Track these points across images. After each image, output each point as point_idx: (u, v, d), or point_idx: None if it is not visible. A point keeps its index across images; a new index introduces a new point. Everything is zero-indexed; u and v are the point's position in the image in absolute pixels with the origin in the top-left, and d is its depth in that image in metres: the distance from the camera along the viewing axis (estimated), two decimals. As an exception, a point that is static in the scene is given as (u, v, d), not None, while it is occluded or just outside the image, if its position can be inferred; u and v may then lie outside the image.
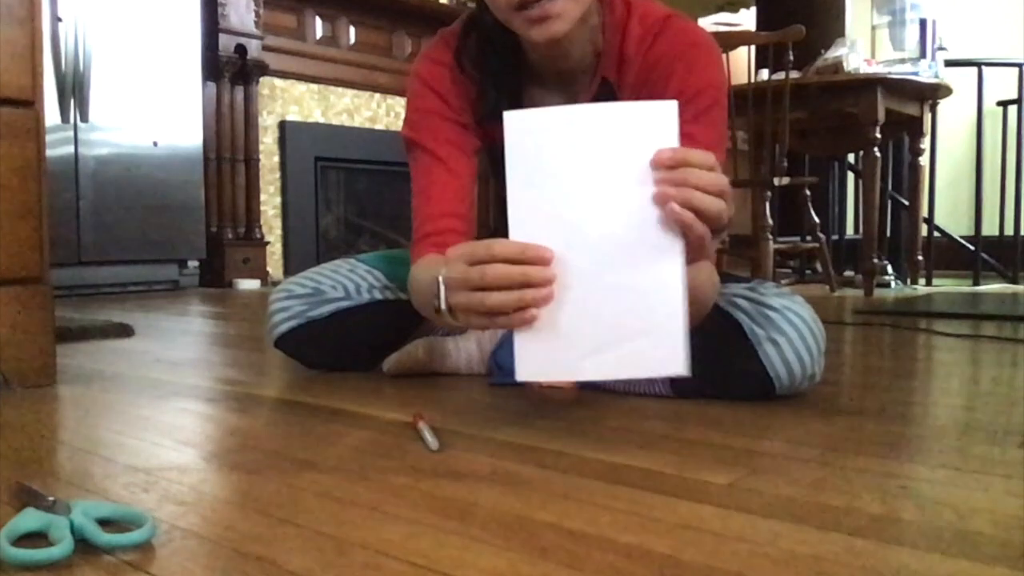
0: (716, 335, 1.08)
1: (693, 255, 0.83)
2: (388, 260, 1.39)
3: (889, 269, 3.49)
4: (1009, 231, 3.84)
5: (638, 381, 1.15)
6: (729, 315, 1.09)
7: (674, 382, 1.12)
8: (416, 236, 1.14)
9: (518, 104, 1.17)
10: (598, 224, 0.81)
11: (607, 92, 1.12)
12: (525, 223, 0.83)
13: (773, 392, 1.08)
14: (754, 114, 3.01)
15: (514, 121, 0.82)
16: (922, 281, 3.64)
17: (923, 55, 3.26)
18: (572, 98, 1.14)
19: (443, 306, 0.89)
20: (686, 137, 1.05)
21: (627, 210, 0.80)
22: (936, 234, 3.91)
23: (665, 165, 0.79)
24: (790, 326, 1.07)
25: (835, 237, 4.08)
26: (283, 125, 4.20)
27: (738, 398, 1.09)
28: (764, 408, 1.06)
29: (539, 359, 0.85)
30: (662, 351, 0.82)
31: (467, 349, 1.32)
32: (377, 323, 1.34)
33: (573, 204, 0.81)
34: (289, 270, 4.13)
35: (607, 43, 1.11)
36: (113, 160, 3.36)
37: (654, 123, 0.80)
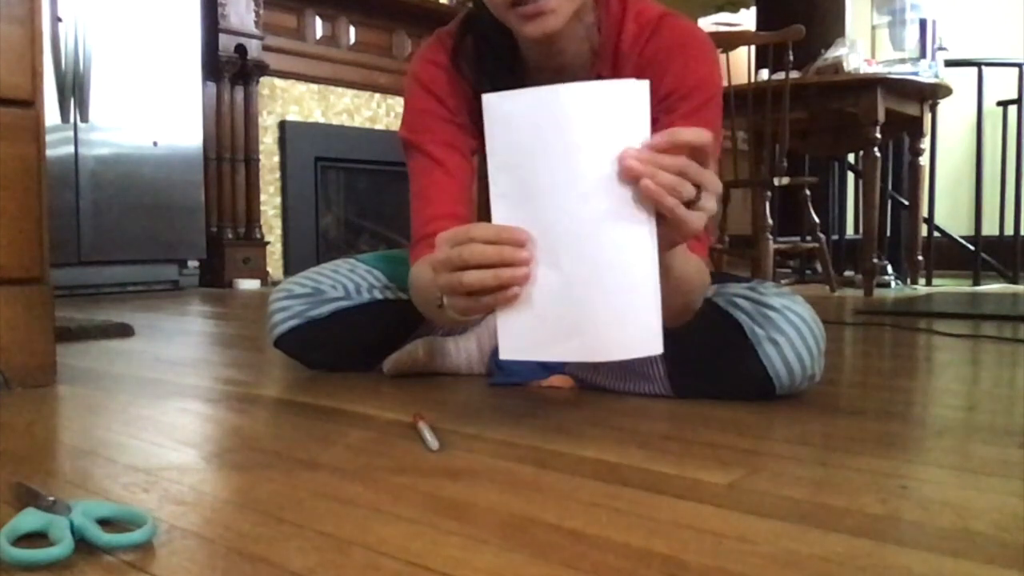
0: (716, 335, 1.08)
1: (675, 234, 0.82)
2: (388, 260, 1.39)
3: (889, 269, 3.49)
4: (1009, 231, 3.84)
5: (638, 381, 1.15)
6: (729, 315, 1.09)
7: (674, 382, 1.12)
8: (415, 238, 1.14)
9: None
10: (573, 204, 0.81)
11: None
12: (505, 205, 0.84)
13: (773, 392, 1.08)
14: (754, 114, 3.01)
15: (493, 103, 0.83)
16: (922, 281, 3.64)
17: (923, 55, 3.26)
18: None
19: (442, 295, 0.89)
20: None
21: (600, 189, 0.80)
22: (936, 234, 3.91)
23: (660, 150, 0.79)
24: (790, 326, 1.07)
25: (835, 237, 4.08)
26: (283, 125, 4.20)
27: (738, 398, 1.09)
28: (764, 408, 1.06)
29: (521, 338, 0.86)
30: (636, 333, 0.83)
31: (467, 349, 1.32)
32: (377, 323, 1.34)
33: (549, 185, 0.82)
34: (289, 270, 4.13)
35: (603, 41, 1.11)
36: (113, 160, 3.36)
37: (625, 101, 0.80)
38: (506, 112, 0.82)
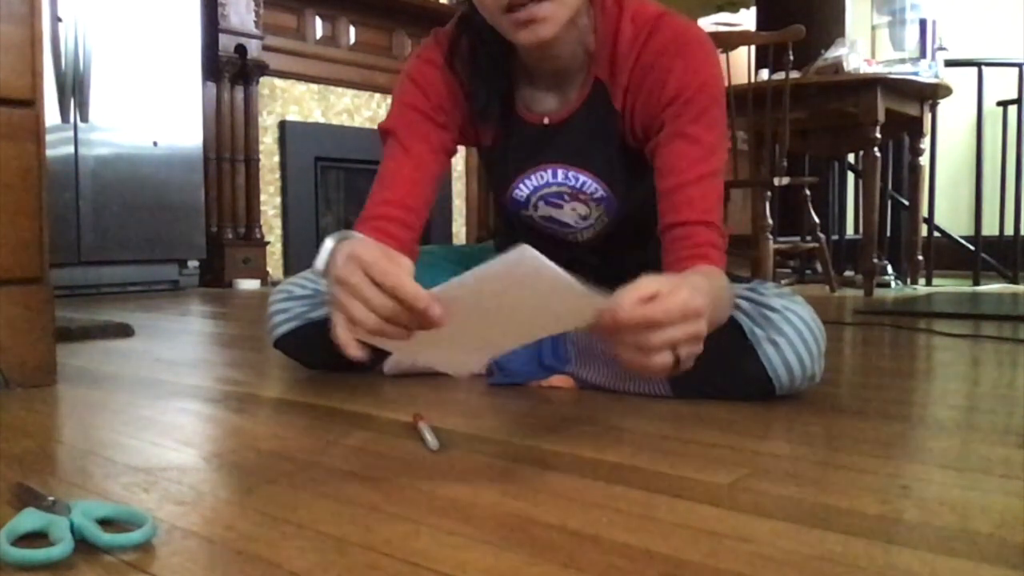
0: (716, 336, 1.08)
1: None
2: (387, 260, 1.38)
3: (889, 269, 3.50)
4: (1009, 231, 3.84)
5: (638, 381, 1.15)
6: (729, 316, 1.08)
7: (674, 382, 1.12)
8: (362, 217, 1.14)
9: (509, 104, 1.17)
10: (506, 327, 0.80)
11: (600, 92, 1.12)
12: (447, 291, 0.74)
13: (773, 392, 1.08)
14: (754, 114, 3.00)
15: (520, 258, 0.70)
16: (922, 281, 3.64)
17: (923, 55, 3.26)
18: (565, 98, 1.14)
19: (320, 266, 0.84)
20: (688, 139, 1.05)
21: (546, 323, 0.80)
22: (936, 234, 3.91)
23: (629, 327, 0.73)
24: (790, 326, 1.07)
25: (835, 237, 4.08)
26: (283, 125, 4.20)
27: (738, 398, 1.09)
28: (764, 408, 1.06)
29: (402, 351, 0.90)
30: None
31: (467, 349, 1.32)
32: (377, 323, 1.33)
33: (494, 315, 0.77)
34: (289, 270, 4.13)
35: (599, 43, 1.10)
36: (113, 160, 3.36)
37: (530, 266, 0.68)
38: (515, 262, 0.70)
